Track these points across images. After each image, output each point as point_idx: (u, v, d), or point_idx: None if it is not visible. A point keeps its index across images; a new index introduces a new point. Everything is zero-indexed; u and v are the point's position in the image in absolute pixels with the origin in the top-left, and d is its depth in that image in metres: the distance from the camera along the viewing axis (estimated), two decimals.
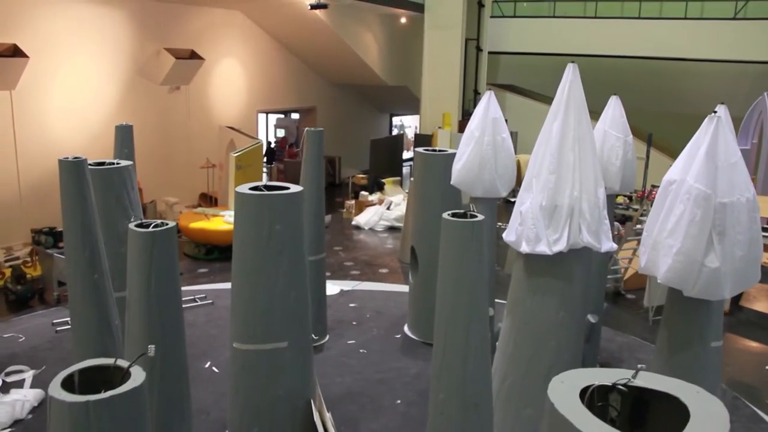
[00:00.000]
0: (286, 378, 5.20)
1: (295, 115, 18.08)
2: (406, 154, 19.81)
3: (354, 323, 8.16)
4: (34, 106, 10.41)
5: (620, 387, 2.09)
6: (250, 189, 5.00)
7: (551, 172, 4.71)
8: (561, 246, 4.65)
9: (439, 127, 15.39)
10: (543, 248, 4.68)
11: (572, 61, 4.82)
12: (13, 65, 9.71)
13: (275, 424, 5.24)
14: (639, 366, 2.17)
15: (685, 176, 3.83)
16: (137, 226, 3.45)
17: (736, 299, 9.21)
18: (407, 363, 7.11)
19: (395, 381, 6.70)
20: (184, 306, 8.40)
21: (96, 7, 11.11)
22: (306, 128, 7.12)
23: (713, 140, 3.74)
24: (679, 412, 2.01)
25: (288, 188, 5.10)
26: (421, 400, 6.27)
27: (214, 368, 6.82)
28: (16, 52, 9.84)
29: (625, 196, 13.90)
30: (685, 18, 15.61)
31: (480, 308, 3.28)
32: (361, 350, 7.40)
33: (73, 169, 4.45)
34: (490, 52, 16.92)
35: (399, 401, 6.29)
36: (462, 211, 3.57)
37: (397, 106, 19.86)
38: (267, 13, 13.92)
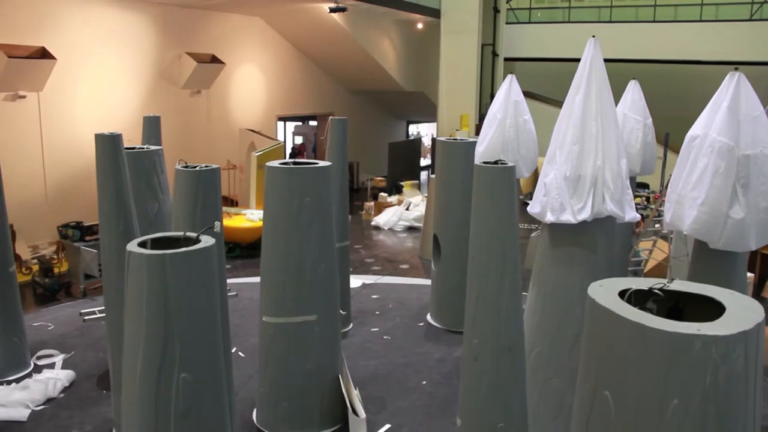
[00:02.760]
0: (315, 352, 5.30)
1: (312, 122, 18.29)
2: (423, 162, 19.93)
3: (377, 313, 8.24)
4: (61, 107, 10.65)
5: (656, 291, 2.16)
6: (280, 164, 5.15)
7: (574, 143, 4.80)
8: (585, 214, 4.73)
9: (457, 130, 15.51)
10: (568, 217, 4.75)
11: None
12: (41, 67, 9.96)
13: (304, 399, 5.33)
14: (672, 277, 2.24)
15: (707, 130, 3.91)
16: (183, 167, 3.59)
17: (757, 291, 9.20)
18: (431, 348, 7.17)
19: (420, 365, 6.75)
20: None
21: (120, 11, 11.38)
22: (330, 117, 7.26)
23: (735, 95, 3.82)
24: (713, 314, 2.08)
25: (317, 164, 5.23)
26: (447, 381, 6.33)
27: (240, 353, 6.92)
28: (44, 54, 10.11)
29: (643, 197, 13.94)
30: (701, 20, 15.68)
31: (512, 253, 3.36)
32: (385, 337, 7.47)
33: (109, 143, 4.59)
34: (505, 59, 17.06)
35: (425, 382, 6.34)
36: (493, 160, 3.67)
37: (414, 113, 20.03)
38: (286, 19, 14.17)
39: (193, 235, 2.43)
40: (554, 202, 4.82)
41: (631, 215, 4.91)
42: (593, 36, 4.87)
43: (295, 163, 5.22)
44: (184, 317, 2.32)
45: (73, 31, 10.68)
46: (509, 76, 6.52)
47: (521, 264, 9.84)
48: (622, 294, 2.14)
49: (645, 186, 14.34)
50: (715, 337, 1.79)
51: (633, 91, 6.58)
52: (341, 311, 5.72)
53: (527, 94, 18.11)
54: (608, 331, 1.97)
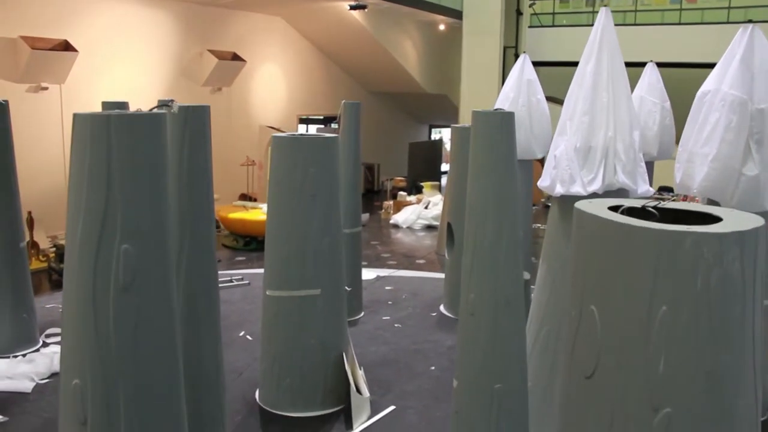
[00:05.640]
0: (318, 326, 5.20)
1: (334, 125, 18.30)
2: (444, 167, 19.76)
3: (389, 303, 8.13)
4: (82, 100, 10.75)
5: (650, 209, 2.03)
6: None
7: (585, 113, 4.67)
8: (596, 186, 4.58)
9: None
10: (578, 189, 4.61)
11: None
12: (64, 59, 10.08)
13: (307, 375, 5.22)
14: (667, 198, 2.12)
15: (719, 85, 3.77)
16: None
17: None
18: (442, 336, 7.04)
19: (430, 351, 6.63)
20: (220, 286, 8.52)
21: (143, 8, 11.51)
22: (343, 101, 7.20)
23: (748, 48, 3.68)
24: None
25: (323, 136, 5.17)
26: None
27: (248, 336, 6.86)
28: (66, 47, 10.24)
29: (667, 199, 13.62)
30: (728, 23, 15.41)
31: (510, 203, 3.24)
32: (396, 325, 7.35)
33: (115, 109, 4.56)
34: None
35: (433, 367, 6.21)
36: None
37: (436, 117, 19.93)
38: (308, 19, 14.21)
39: (144, 110, 2.37)
40: (564, 174, 4.68)
41: (644, 188, 4.75)
42: (605, 5, 4.76)
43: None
44: (127, 184, 2.23)
45: (95, 26, 10.81)
46: (522, 55, 6.42)
47: (537, 260, 9.67)
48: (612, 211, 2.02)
49: (669, 189, 14.04)
50: (706, 234, 1.66)
51: (650, 73, 6.45)
52: (346, 288, 5.62)
53: (551, 99, 17.94)
54: (594, 238, 1.85)
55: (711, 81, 3.89)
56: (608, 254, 1.80)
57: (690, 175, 3.93)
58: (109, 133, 2.21)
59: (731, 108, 3.64)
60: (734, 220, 1.84)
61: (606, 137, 4.61)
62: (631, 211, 2.04)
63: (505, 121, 3.23)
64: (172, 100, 2.82)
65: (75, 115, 2.25)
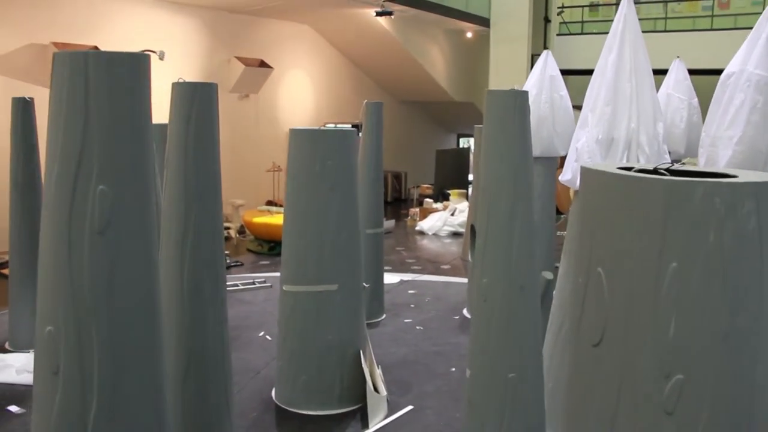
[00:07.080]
0: (335, 322, 5.13)
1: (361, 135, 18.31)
2: (471, 176, 19.65)
3: (412, 306, 8.04)
4: None
5: (662, 172, 1.93)
6: None
7: (607, 104, 4.56)
8: None
9: None
10: None
11: None
12: None
13: (323, 372, 5.15)
14: (682, 162, 2.01)
15: (744, 65, 3.63)
16: None
17: None
18: (464, 339, 6.89)
19: (451, 353, 6.51)
20: (243, 288, 8.54)
21: (171, 14, 11.67)
22: (365, 101, 7.18)
23: None
24: None
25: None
26: None
27: (267, 336, 6.82)
28: None
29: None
30: None
31: (524, 183, 3.14)
32: (417, 327, 7.26)
33: None
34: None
35: (454, 369, 6.10)
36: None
37: (464, 125, 19.83)
38: (334, 26, 14.27)
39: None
40: None
41: None
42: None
43: None
44: (105, 124, 2.17)
45: (124, 32, 10.98)
46: (545, 52, 6.32)
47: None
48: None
49: None
50: (718, 184, 1.55)
51: (677, 70, 6.30)
52: (364, 284, 5.55)
53: (579, 108, 17.67)
54: (601, 195, 1.76)
55: (735, 62, 3.75)
56: (615, 210, 1.70)
57: (714, 159, 3.78)
58: (87, 72, 2.18)
59: (757, 88, 3.50)
60: (751, 175, 1.73)
61: (629, 128, 4.50)
62: (642, 173, 1.94)
63: (518, 99, 3.15)
64: (162, 52, 2.79)
65: (54, 54, 2.24)
